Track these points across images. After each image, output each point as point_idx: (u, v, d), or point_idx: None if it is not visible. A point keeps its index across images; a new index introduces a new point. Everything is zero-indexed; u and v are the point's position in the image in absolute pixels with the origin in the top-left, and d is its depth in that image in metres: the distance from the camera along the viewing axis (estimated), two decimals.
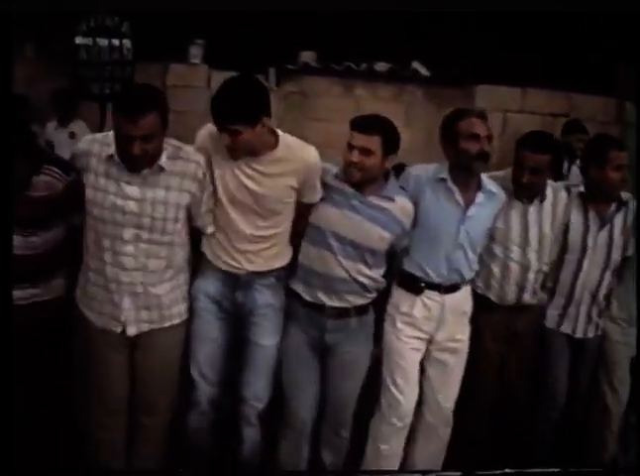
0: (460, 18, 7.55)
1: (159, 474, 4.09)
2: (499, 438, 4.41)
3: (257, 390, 3.85)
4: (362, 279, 3.80)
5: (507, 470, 3.72)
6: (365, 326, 3.95)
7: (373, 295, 3.93)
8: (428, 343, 4.06)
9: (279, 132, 3.69)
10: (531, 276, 4.17)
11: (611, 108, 8.20)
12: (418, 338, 4.02)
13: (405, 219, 3.82)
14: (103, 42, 6.89)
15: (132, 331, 3.61)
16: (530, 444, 4.46)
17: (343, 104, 8.07)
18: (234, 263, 3.73)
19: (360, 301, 3.87)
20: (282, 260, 3.83)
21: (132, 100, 3.30)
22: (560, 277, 4.31)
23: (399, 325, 4.01)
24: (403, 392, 4.01)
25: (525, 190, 4.08)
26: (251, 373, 3.85)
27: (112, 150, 3.39)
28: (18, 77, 7.74)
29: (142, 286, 3.56)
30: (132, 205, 3.43)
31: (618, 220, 4.26)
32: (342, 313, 3.84)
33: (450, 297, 3.99)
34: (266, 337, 3.84)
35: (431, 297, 3.97)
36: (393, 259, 3.96)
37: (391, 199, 3.75)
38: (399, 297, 4.03)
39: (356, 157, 3.61)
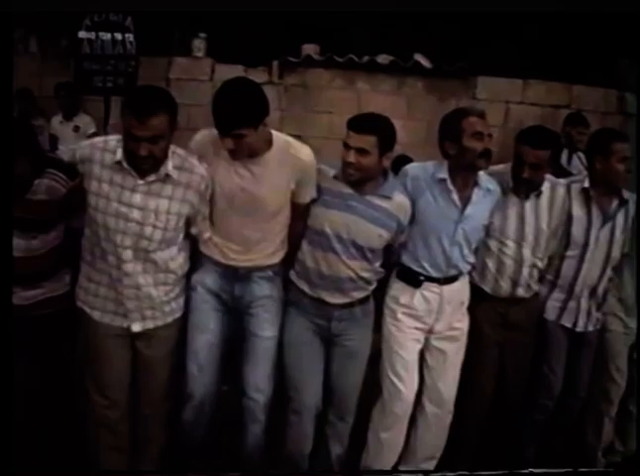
0: (461, 10, 7.56)
1: (159, 474, 4.12)
2: (495, 431, 4.45)
3: (257, 382, 3.87)
4: (365, 274, 3.85)
5: (513, 470, 3.81)
6: (368, 314, 4.00)
7: (374, 285, 3.98)
8: (428, 333, 4.09)
9: (273, 132, 3.71)
10: (525, 271, 4.18)
11: (612, 100, 8.19)
12: (418, 329, 4.06)
13: (402, 216, 3.84)
14: (106, 36, 6.93)
15: (137, 328, 3.66)
16: (525, 435, 4.52)
17: (345, 96, 8.11)
18: (231, 262, 3.78)
19: (363, 295, 3.93)
20: (279, 256, 3.86)
21: (141, 101, 3.31)
22: (561, 271, 4.32)
23: (399, 317, 4.04)
24: (404, 381, 4.05)
25: (525, 185, 4.08)
26: (251, 365, 3.88)
27: (119, 156, 3.40)
28: (22, 72, 7.84)
29: (145, 288, 3.60)
30: (135, 213, 3.45)
31: (620, 218, 4.27)
32: (346, 305, 3.89)
33: (448, 289, 4.03)
34: (264, 328, 3.86)
35: (430, 289, 4.01)
36: (391, 252, 3.98)
37: (389, 197, 3.78)
38: (398, 290, 4.07)
39: (352, 157, 3.62)
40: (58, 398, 3.70)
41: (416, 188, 3.90)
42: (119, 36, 6.93)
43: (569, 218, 4.21)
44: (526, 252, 4.14)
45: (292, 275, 3.94)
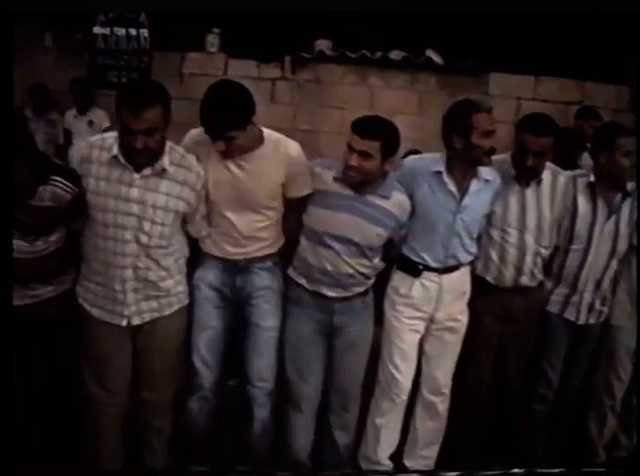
0: (474, 6, 7.58)
1: (159, 474, 4.14)
2: (497, 425, 4.49)
3: (260, 370, 3.94)
4: (364, 270, 3.90)
5: (515, 470, 3.85)
6: (367, 306, 4.05)
7: (373, 280, 4.04)
8: (429, 322, 4.14)
9: (264, 129, 3.77)
10: (529, 259, 4.20)
11: (624, 96, 8.19)
12: (418, 318, 4.11)
13: (401, 213, 3.88)
14: (121, 31, 7.01)
15: (136, 321, 3.70)
16: (527, 426, 4.54)
17: (357, 92, 8.14)
18: (230, 255, 3.84)
19: (362, 289, 3.98)
20: (276, 247, 3.93)
21: (135, 94, 3.35)
22: (565, 264, 4.34)
23: (399, 307, 4.10)
24: (401, 370, 4.11)
25: (528, 173, 4.10)
26: (253, 354, 3.95)
27: (115, 151, 3.45)
28: (37, 67, 7.91)
29: (143, 282, 3.64)
30: (134, 208, 3.49)
31: (625, 211, 4.29)
32: (346, 298, 3.94)
33: (447, 278, 4.06)
34: (266, 318, 3.93)
35: (429, 278, 4.05)
36: (392, 246, 4.02)
37: (387, 197, 3.81)
38: (398, 280, 4.12)
39: (355, 160, 3.64)
40: (60, 396, 3.72)
41: (414, 181, 3.93)
42: (133, 31, 7.01)
43: (574, 212, 4.23)
44: (529, 239, 4.15)
45: (291, 271, 3.99)
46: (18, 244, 3.38)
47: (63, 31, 7.99)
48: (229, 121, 3.49)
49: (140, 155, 3.38)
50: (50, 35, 8.28)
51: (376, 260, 3.94)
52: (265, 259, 3.89)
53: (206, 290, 3.88)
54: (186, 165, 3.57)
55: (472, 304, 4.21)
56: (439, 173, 3.91)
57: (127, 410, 3.89)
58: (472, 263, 4.18)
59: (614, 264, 4.32)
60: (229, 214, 3.76)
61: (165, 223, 3.56)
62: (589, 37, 7.80)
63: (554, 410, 4.50)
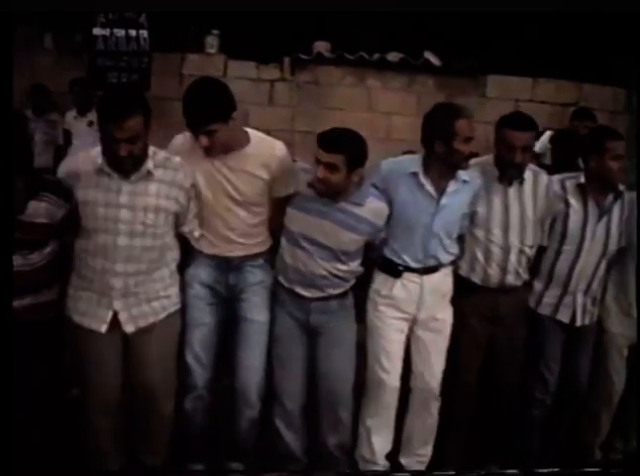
0: (471, 9, 7.61)
1: (159, 474, 4.14)
2: (491, 427, 4.51)
3: (250, 365, 3.98)
4: (340, 273, 3.95)
5: (510, 470, 3.88)
6: (345, 307, 4.08)
7: (352, 282, 4.07)
8: (412, 323, 4.17)
9: (249, 130, 3.86)
10: (513, 257, 4.21)
11: (621, 98, 8.24)
12: (400, 319, 4.14)
13: (377, 220, 3.91)
14: (120, 32, 7.02)
15: (130, 329, 3.72)
16: (524, 431, 4.54)
17: (355, 93, 8.18)
18: (223, 251, 3.90)
19: (338, 291, 4.01)
20: (266, 245, 4.01)
21: (116, 104, 3.43)
22: (557, 265, 4.36)
23: (381, 308, 4.13)
24: (387, 371, 4.13)
25: (516, 171, 4.13)
26: (243, 348, 3.99)
27: (99, 161, 3.52)
28: (37, 68, 7.95)
29: (134, 287, 3.68)
30: (124, 213, 3.55)
31: (616, 211, 4.32)
32: (322, 298, 3.98)
33: (428, 279, 4.09)
34: (255, 312, 3.98)
35: (410, 279, 4.08)
36: (372, 249, 4.06)
37: (360, 204, 3.84)
38: (380, 282, 4.15)
39: (321, 172, 3.69)
40: (52, 402, 3.73)
41: (392, 183, 3.96)
42: (133, 32, 7.02)
43: (566, 213, 4.27)
44: (513, 238, 4.17)
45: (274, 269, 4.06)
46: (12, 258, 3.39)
47: (63, 32, 8.03)
48: (209, 114, 3.56)
49: (124, 162, 3.44)
50: (49, 36, 8.32)
51: (353, 264, 3.97)
52: (257, 257, 3.95)
53: (198, 287, 3.92)
54: (171, 166, 3.64)
55: (458, 306, 4.23)
56: (416, 174, 3.94)
57: (121, 410, 3.89)
58: (455, 264, 4.21)
59: (604, 265, 4.35)
60: (220, 213, 3.82)
61: (157, 224, 3.61)
62: (587, 38, 7.85)
63: (552, 412, 4.51)
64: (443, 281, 4.17)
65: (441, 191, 3.95)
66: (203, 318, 3.93)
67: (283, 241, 3.93)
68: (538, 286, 4.38)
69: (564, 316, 4.36)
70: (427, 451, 4.33)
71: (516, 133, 4.03)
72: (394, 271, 4.07)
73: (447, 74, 8.22)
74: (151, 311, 3.74)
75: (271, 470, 4.05)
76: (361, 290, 4.16)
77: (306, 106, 8.08)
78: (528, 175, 4.18)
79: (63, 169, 3.68)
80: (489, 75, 8.17)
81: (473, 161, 4.02)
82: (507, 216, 4.16)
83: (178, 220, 3.75)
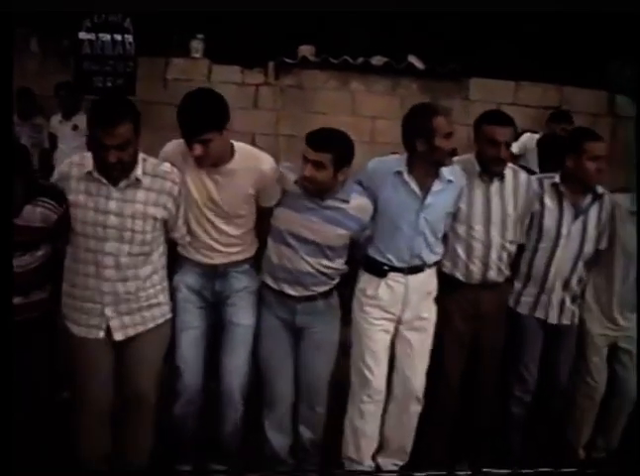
0: (454, 12, 7.66)
1: (158, 473, 4.20)
2: (475, 426, 4.56)
3: (234, 368, 4.03)
4: (326, 270, 4.01)
5: (491, 470, 3.92)
6: (331, 307, 4.15)
7: (337, 280, 4.13)
8: (397, 323, 4.21)
9: (235, 143, 3.90)
10: (494, 253, 4.28)
11: (603, 101, 8.30)
12: (386, 319, 4.18)
13: (362, 215, 3.99)
14: (106, 37, 7.05)
15: (119, 337, 3.76)
16: (505, 429, 4.59)
17: (340, 97, 8.22)
18: (208, 259, 3.96)
19: (324, 288, 4.07)
20: (250, 252, 4.07)
21: (106, 111, 3.49)
22: (534, 263, 4.42)
23: (367, 309, 4.18)
24: (373, 371, 4.18)
25: (499, 166, 4.20)
26: (228, 351, 4.05)
27: (89, 166, 3.57)
28: (23, 71, 7.94)
29: (124, 294, 3.72)
30: (113, 220, 3.60)
31: (593, 212, 4.38)
32: (309, 298, 4.04)
33: (413, 279, 4.14)
34: (241, 316, 4.04)
35: (395, 279, 4.14)
36: (357, 247, 4.12)
37: (346, 200, 3.92)
38: (365, 282, 4.21)
39: (308, 171, 3.78)
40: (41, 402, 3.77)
41: (377, 183, 4.03)
42: (118, 37, 7.05)
43: (542, 211, 4.33)
44: (494, 234, 4.24)
45: (259, 272, 4.10)
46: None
47: (49, 36, 8.04)
48: (206, 123, 3.61)
49: (114, 168, 3.49)
50: (35, 40, 8.33)
51: (339, 261, 4.04)
52: (242, 263, 4.01)
53: (186, 292, 3.98)
54: (161, 173, 3.68)
55: (442, 303, 4.28)
56: (400, 173, 4.01)
57: (111, 412, 3.92)
58: (439, 262, 4.25)
59: (581, 265, 4.41)
60: (205, 223, 3.88)
61: (146, 231, 3.65)
62: (570, 41, 7.91)
63: (532, 411, 4.55)
64: (427, 281, 4.22)
65: (426, 190, 4.02)
66: (192, 322, 3.98)
67: (270, 241, 3.99)
68: (517, 285, 4.44)
69: (541, 313, 4.42)
70: (405, 455, 4.37)
71: (498, 128, 4.12)
72: (379, 271, 4.12)
73: (430, 78, 8.25)
74: (141, 321, 3.78)
75: (256, 471, 4.10)
76: (346, 289, 4.21)
77: (291, 110, 8.11)
78: (508, 172, 4.26)
79: (56, 172, 3.73)
80: (472, 78, 8.22)
81: (454, 159, 4.09)
82: (489, 212, 4.23)
83: (168, 226, 3.79)
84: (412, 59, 8.23)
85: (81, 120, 7.80)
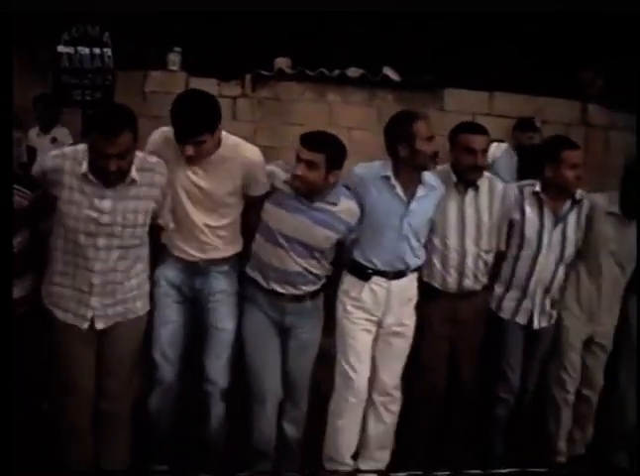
0: (429, 23, 7.75)
1: (157, 473, 4.24)
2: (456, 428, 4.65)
3: (217, 369, 4.15)
4: (314, 270, 4.12)
5: (474, 471, 3.98)
6: (318, 308, 4.28)
7: (324, 280, 4.25)
8: (378, 326, 4.32)
9: (224, 133, 3.99)
10: (470, 262, 4.38)
11: (576, 111, 8.39)
12: (367, 320, 4.30)
13: (350, 219, 4.11)
14: (85, 50, 7.07)
15: (100, 326, 3.84)
16: (491, 431, 4.73)
17: (316, 109, 8.25)
18: (191, 252, 4.05)
19: (312, 288, 4.19)
20: (235, 248, 4.17)
21: (108, 121, 3.56)
22: (516, 270, 4.53)
23: (349, 309, 4.29)
24: (356, 370, 4.29)
25: (476, 174, 4.32)
26: (211, 354, 4.16)
27: (85, 168, 3.64)
28: None
29: (111, 285, 3.81)
30: (105, 217, 3.68)
31: (572, 218, 4.48)
32: (298, 297, 4.14)
33: (396, 284, 4.26)
34: (222, 321, 4.15)
35: (378, 283, 4.24)
36: (343, 249, 4.24)
37: (335, 203, 4.03)
38: (349, 284, 4.32)
39: (301, 170, 3.90)
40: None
41: (362, 187, 4.14)
42: (97, 50, 7.07)
43: (522, 220, 4.40)
44: (469, 243, 4.34)
45: (248, 268, 4.19)
46: None
47: (27, 49, 8.04)
48: (200, 125, 3.71)
49: (113, 175, 3.57)
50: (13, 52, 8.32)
51: (326, 262, 4.15)
52: (222, 262, 4.09)
53: (166, 286, 4.07)
54: (149, 167, 3.76)
55: (421, 309, 4.38)
56: (387, 177, 4.11)
57: (91, 421, 3.98)
58: (420, 268, 4.34)
59: (562, 269, 4.48)
60: (190, 213, 3.96)
61: (137, 224, 3.74)
62: (544, 51, 8.01)
63: (514, 410, 4.67)
64: (409, 286, 4.32)
65: (410, 195, 4.13)
66: (171, 316, 4.08)
67: (259, 237, 4.08)
68: (498, 290, 4.53)
69: (522, 319, 4.51)
70: (385, 456, 4.48)
71: (474, 136, 4.25)
72: (363, 274, 4.21)
73: (406, 89, 8.32)
74: (123, 311, 3.87)
75: (242, 470, 4.18)
76: (329, 290, 4.31)
77: (268, 122, 8.13)
78: (484, 181, 4.34)
79: (48, 161, 3.74)
80: (446, 89, 8.29)
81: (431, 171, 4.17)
82: (463, 222, 4.32)
83: (154, 214, 3.85)
84: (387, 70, 8.28)
85: (60, 133, 7.88)
